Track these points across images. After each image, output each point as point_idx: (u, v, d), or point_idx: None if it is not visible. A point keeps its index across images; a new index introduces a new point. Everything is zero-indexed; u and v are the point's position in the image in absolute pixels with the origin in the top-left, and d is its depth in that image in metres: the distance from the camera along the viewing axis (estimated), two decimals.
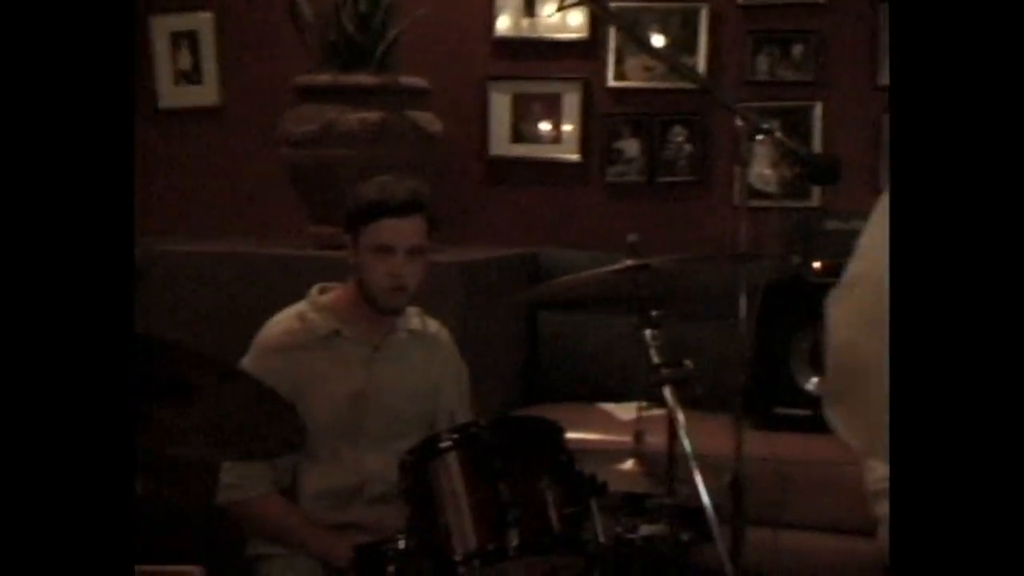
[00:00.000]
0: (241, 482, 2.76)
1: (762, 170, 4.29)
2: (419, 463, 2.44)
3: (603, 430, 3.80)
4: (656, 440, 2.69)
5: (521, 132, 4.69)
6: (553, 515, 2.35)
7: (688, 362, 2.40)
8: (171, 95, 5.01)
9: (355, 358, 2.77)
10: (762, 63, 4.49)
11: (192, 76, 4.98)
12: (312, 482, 2.77)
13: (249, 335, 2.84)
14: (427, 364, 2.87)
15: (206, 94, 4.95)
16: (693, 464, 2.25)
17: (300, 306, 2.82)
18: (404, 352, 2.84)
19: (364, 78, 4.04)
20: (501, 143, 4.72)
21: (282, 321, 2.81)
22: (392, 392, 2.81)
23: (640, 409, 2.94)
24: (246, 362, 2.74)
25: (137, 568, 2.05)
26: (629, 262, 2.58)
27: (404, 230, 2.66)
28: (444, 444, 2.43)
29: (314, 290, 2.86)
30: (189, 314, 3.94)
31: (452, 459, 2.40)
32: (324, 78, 4.08)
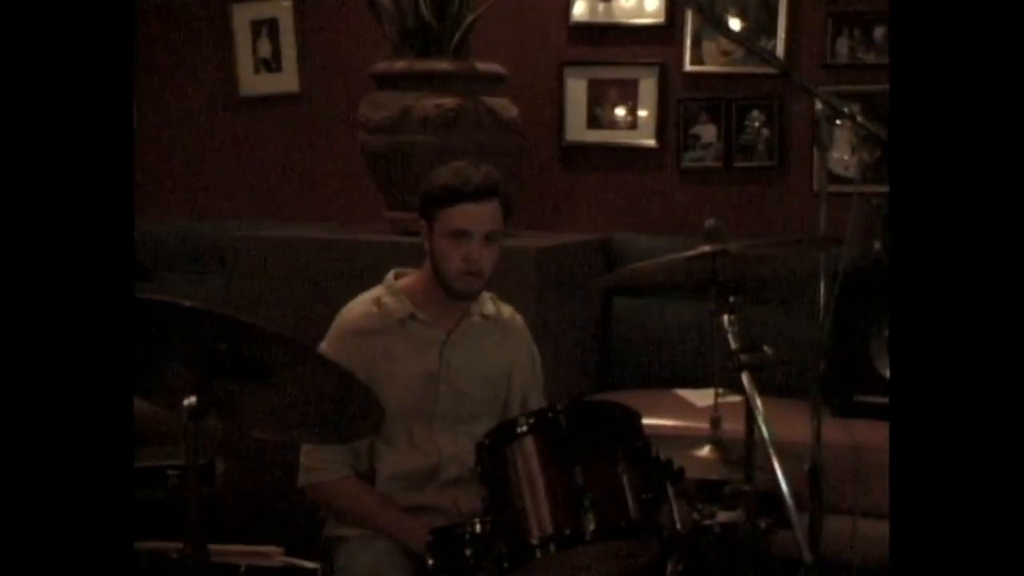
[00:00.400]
0: (320, 465, 2.76)
1: (842, 155, 4.23)
2: (496, 447, 2.43)
3: (679, 416, 3.78)
4: (733, 427, 2.66)
5: (597, 118, 4.66)
6: (629, 500, 2.34)
7: (767, 348, 2.36)
8: (251, 83, 5.05)
9: (429, 342, 2.77)
10: (842, 46, 4.43)
11: (272, 64, 5.01)
12: (388, 464, 2.78)
13: (327, 319, 2.85)
14: (500, 349, 2.86)
15: (286, 81, 4.98)
16: (771, 451, 2.22)
17: (376, 291, 2.83)
18: (477, 337, 2.83)
19: (440, 64, 4.04)
20: (577, 129, 4.70)
21: (359, 305, 2.82)
22: (464, 376, 2.80)
23: (717, 395, 2.91)
24: (324, 346, 2.75)
25: (218, 548, 2.25)
26: (707, 248, 2.55)
27: (480, 215, 2.65)
28: (521, 428, 2.42)
29: (390, 275, 2.86)
30: (269, 298, 3.96)
31: (529, 443, 2.38)
32: (401, 64, 4.08)
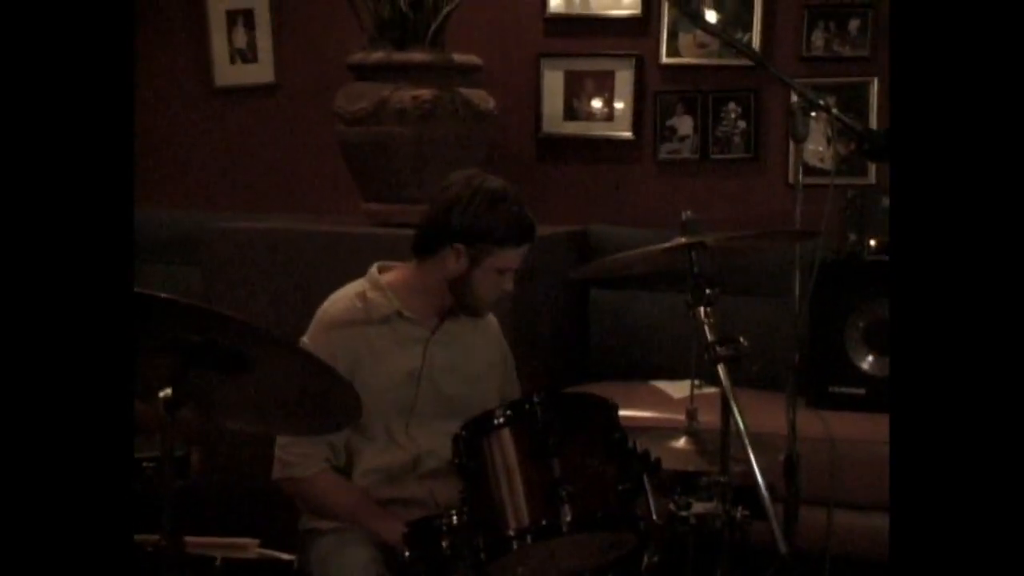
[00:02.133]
0: (296, 459, 2.75)
1: (817, 147, 4.23)
2: (473, 438, 2.45)
3: (656, 408, 3.75)
4: (709, 418, 2.67)
5: (573, 109, 4.65)
6: (607, 492, 2.35)
7: (743, 340, 2.36)
8: (227, 73, 5.02)
9: (413, 339, 2.77)
10: (818, 38, 4.43)
11: (247, 54, 4.99)
12: (365, 458, 2.77)
13: (305, 312, 2.84)
14: (480, 348, 2.87)
15: (261, 72, 4.96)
16: (747, 442, 2.22)
17: (360, 284, 2.81)
18: (460, 336, 2.83)
19: (417, 55, 4.03)
20: (553, 120, 4.68)
21: (343, 299, 2.80)
22: (446, 374, 2.80)
23: (694, 387, 2.94)
24: (306, 339, 2.74)
25: (193, 540, 2.19)
26: (683, 239, 2.54)
27: (525, 252, 2.72)
28: (498, 420, 2.44)
29: (374, 269, 2.84)
30: (246, 290, 3.94)
31: (506, 435, 2.40)
32: (377, 56, 4.06)
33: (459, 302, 2.75)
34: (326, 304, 2.79)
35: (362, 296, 2.78)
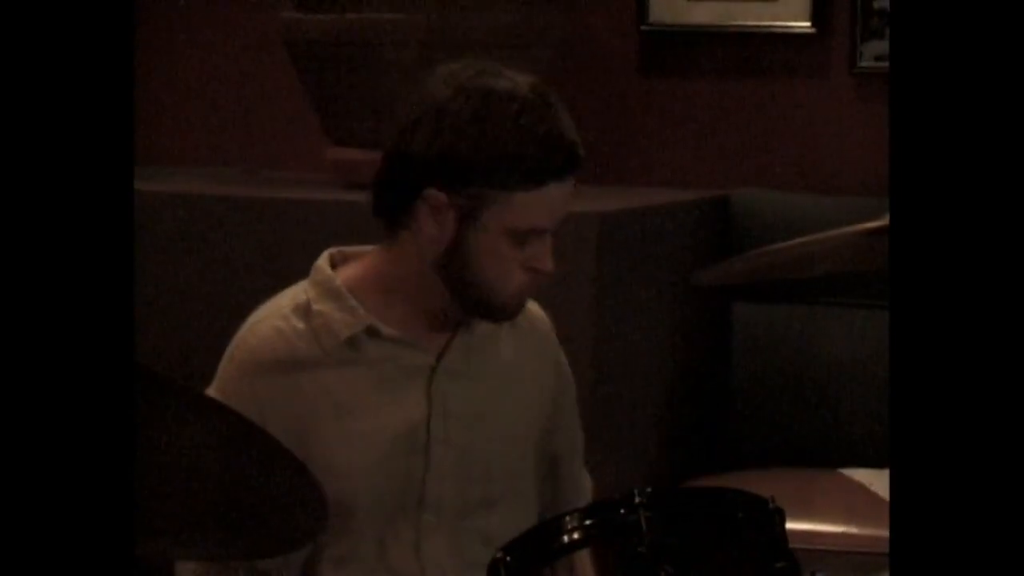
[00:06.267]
0: None
1: None
2: (527, 568, 1.87)
3: (851, 516, 3.17)
4: None
5: None
6: None
7: None
8: None
9: (406, 372, 2.11)
10: None
11: None
12: None
13: (230, 328, 2.23)
14: (530, 373, 2.22)
15: None
16: None
17: (298, 293, 2.14)
18: (486, 355, 2.16)
19: None
20: (672, 1, 3.71)
21: (270, 319, 2.12)
22: (474, 427, 2.14)
23: None
24: (213, 390, 2.08)
25: None
26: None
27: (562, 199, 2.02)
28: (571, 535, 1.86)
29: (322, 262, 2.15)
30: (171, 282, 3.36)
31: (585, 562, 1.89)
32: None
33: (462, 299, 2.08)
34: (243, 331, 2.14)
35: (304, 312, 2.10)
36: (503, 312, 2.08)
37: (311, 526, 1.78)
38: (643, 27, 3.72)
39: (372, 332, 2.06)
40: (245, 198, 3.46)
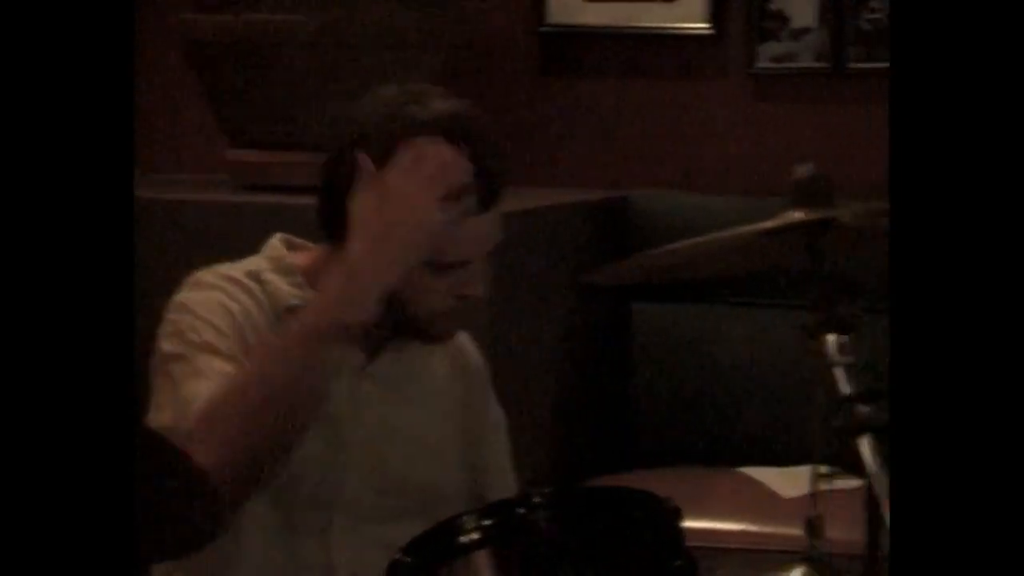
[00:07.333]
0: None
1: None
2: (426, 568, 1.86)
3: (750, 515, 3.20)
4: (844, 534, 2.12)
5: None
6: None
7: None
8: None
9: (335, 368, 2.14)
10: None
11: None
12: None
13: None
14: (456, 393, 2.26)
15: None
16: None
17: (250, 262, 2.20)
18: (412, 372, 2.21)
19: None
20: (570, 3, 3.72)
21: (223, 271, 2.17)
22: (391, 437, 2.17)
23: (817, 477, 2.31)
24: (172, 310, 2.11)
25: None
26: (799, 214, 2.04)
27: (485, 231, 2.10)
28: (469, 536, 1.85)
29: (276, 240, 2.22)
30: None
31: (484, 564, 1.88)
32: None
33: (392, 318, 2.12)
34: (193, 281, 2.17)
35: (255, 277, 2.15)
36: (430, 335, 2.12)
37: (206, 529, 1.76)
38: (542, 28, 3.74)
39: None
40: (143, 199, 3.43)
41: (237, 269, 2.18)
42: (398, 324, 2.14)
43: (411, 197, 2.05)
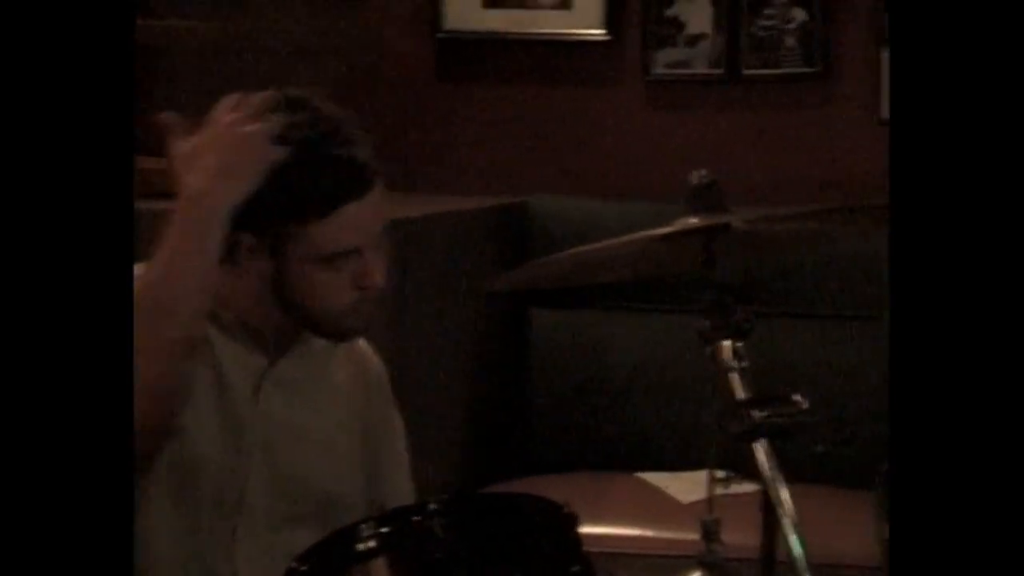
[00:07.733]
0: None
1: None
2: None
3: (647, 520, 3.23)
4: (739, 537, 2.12)
5: None
6: None
7: (798, 397, 1.92)
8: None
9: (240, 371, 2.17)
10: None
11: None
12: None
13: None
14: (356, 398, 2.27)
15: None
16: None
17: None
18: (319, 376, 2.22)
19: None
20: (466, 9, 3.71)
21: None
22: (293, 441, 2.18)
23: (713, 482, 2.35)
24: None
25: None
26: (694, 220, 2.04)
27: (367, 217, 2.08)
28: (366, 543, 1.86)
29: None
30: None
31: (382, 570, 1.89)
32: None
33: (296, 319, 2.15)
34: None
35: None
36: (337, 331, 2.14)
37: None
38: (439, 34, 3.75)
39: (214, 317, 2.10)
40: None
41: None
42: (305, 324, 2.15)
43: (219, 115, 2.03)
